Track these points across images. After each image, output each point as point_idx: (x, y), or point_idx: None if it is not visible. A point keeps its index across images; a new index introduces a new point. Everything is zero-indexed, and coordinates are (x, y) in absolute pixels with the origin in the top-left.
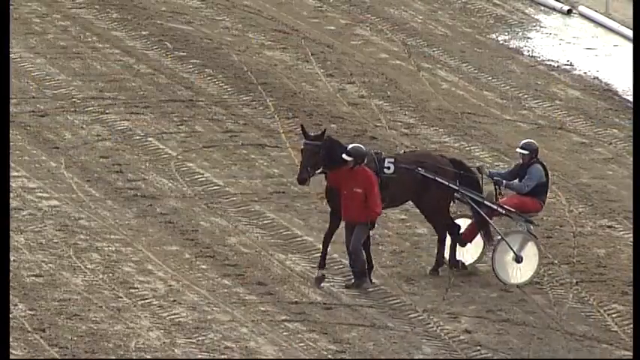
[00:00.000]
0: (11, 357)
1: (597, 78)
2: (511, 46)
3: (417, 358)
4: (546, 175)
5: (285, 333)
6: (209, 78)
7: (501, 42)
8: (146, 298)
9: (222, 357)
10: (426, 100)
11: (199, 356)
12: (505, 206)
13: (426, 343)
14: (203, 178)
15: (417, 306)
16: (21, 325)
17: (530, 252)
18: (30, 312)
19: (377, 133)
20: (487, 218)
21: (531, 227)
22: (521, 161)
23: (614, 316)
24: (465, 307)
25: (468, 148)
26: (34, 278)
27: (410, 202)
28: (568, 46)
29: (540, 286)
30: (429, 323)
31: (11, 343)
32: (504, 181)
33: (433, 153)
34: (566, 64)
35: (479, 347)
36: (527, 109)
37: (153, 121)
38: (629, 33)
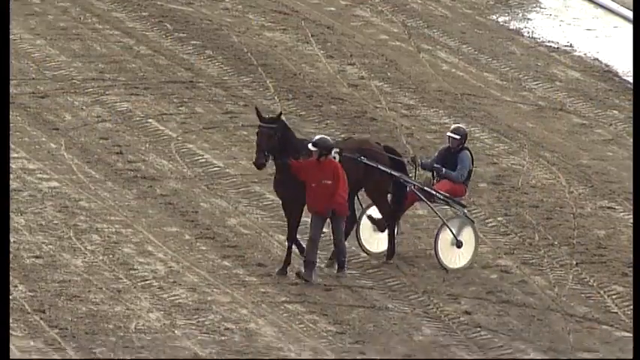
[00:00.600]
0: (12, 336)
1: (597, 59)
2: (511, 28)
3: (416, 339)
4: (472, 161)
5: (285, 314)
6: (209, 59)
7: (501, 23)
8: (146, 280)
9: (223, 338)
10: (426, 81)
11: (199, 337)
12: (442, 192)
13: (425, 324)
14: (203, 160)
15: (417, 287)
16: (21, 307)
17: (469, 236)
18: (30, 293)
19: (377, 114)
20: (428, 204)
21: (466, 211)
22: (449, 145)
23: (614, 297)
24: (464, 289)
25: (468, 130)
26: (34, 259)
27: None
28: (568, 27)
29: (540, 268)
30: (428, 305)
31: (11, 325)
32: (444, 170)
33: (370, 140)
34: (566, 46)
35: (479, 328)
36: (528, 91)
37: (153, 103)
38: (629, 14)
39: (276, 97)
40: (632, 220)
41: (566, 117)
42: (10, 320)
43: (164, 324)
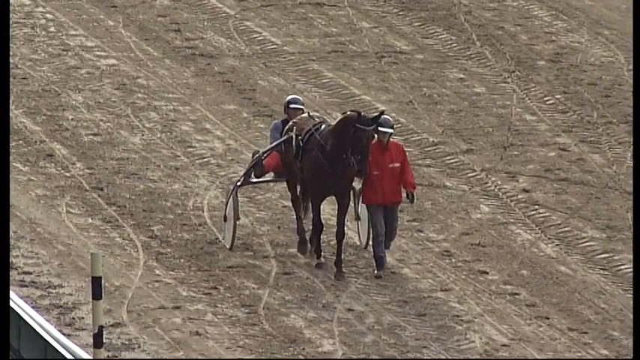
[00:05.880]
0: (70, 214)
1: None
2: None
3: (474, 217)
4: None
5: None
6: None
7: None
8: (204, 157)
9: (280, 216)
10: None
11: (257, 215)
12: None
13: (483, 202)
14: (261, 37)
15: (475, 165)
16: (79, 184)
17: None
18: (88, 171)
19: None
20: None
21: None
22: None
23: None
24: (523, 167)
25: (521, 5)
26: (92, 137)
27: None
28: None
29: (599, 146)
30: (486, 182)
31: (69, 202)
32: None
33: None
34: None
35: (537, 206)
36: None
37: None
38: None
39: None
40: None
41: None
42: (68, 198)
43: (221, 202)
